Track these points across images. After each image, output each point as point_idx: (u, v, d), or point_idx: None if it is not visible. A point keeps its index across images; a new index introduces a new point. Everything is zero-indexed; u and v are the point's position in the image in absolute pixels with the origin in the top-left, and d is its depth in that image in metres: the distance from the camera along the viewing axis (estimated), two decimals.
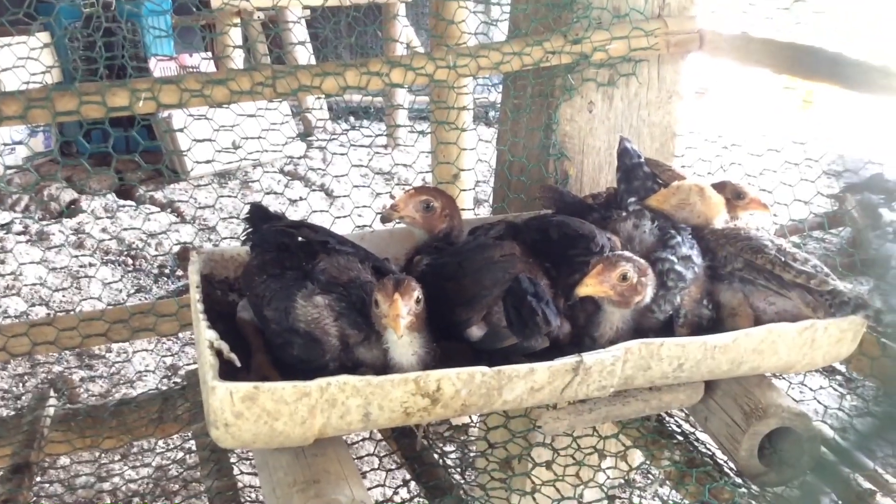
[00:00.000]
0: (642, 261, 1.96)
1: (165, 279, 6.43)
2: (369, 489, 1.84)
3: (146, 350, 5.17)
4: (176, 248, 6.51)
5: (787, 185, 2.64)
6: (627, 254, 1.97)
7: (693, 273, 2.06)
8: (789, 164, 2.69)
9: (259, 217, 2.21)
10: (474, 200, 6.87)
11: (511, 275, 1.95)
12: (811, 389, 2.61)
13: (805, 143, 2.72)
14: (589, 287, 1.90)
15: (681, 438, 2.18)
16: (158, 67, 7.89)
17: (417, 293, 1.79)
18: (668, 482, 2.13)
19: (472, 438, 3.38)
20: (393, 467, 2.31)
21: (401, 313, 1.74)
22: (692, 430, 2.25)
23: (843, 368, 4.02)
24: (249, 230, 2.20)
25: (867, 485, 1.98)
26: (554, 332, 1.91)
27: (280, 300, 1.92)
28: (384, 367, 1.86)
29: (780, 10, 2.69)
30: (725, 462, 2.09)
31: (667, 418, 2.27)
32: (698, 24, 2.73)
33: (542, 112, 2.76)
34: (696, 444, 2.16)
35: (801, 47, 2.43)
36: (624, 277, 1.90)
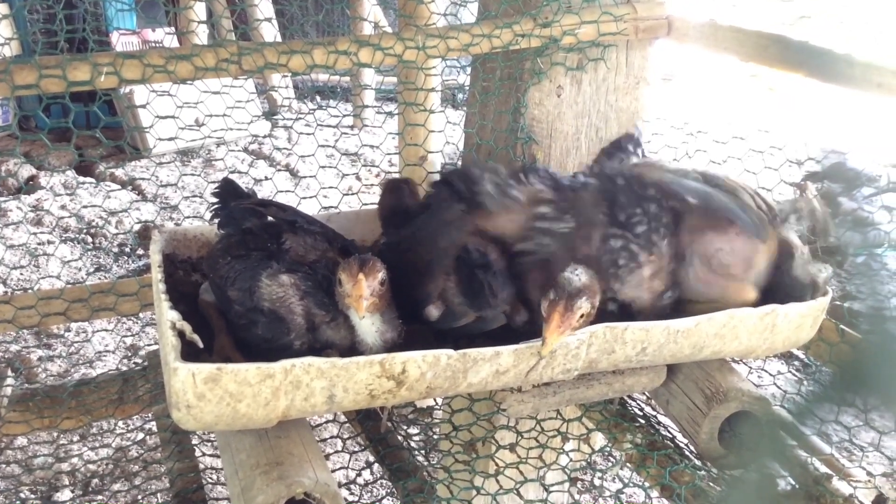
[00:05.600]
0: (590, 279, 1.87)
1: (126, 258, 6.33)
2: (333, 471, 1.84)
3: (106, 330, 5.10)
4: (137, 227, 6.41)
5: (750, 172, 2.67)
6: (576, 284, 1.83)
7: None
8: (753, 151, 2.72)
9: (229, 193, 2.19)
10: None
11: (465, 233, 1.95)
12: (770, 374, 2.65)
13: (769, 131, 2.75)
14: (554, 343, 1.81)
15: (643, 422, 2.20)
16: (120, 42, 7.73)
17: (382, 274, 1.78)
18: (629, 465, 2.16)
19: (437, 421, 3.39)
20: (357, 449, 2.30)
21: (363, 294, 1.73)
22: (654, 413, 2.28)
23: (801, 354, 4.10)
24: (217, 205, 2.18)
25: (824, 469, 2.02)
26: (504, 302, 1.90)
27: (244, 280, 1.90)
28: (351, 347, 1.86)
29: None
30: (686, 445, 2.12)
31: (629, 401, 2.29)
32: (667, 10, 2.74)
33: (510, 95, 2.75)
34: (657, 427, 2.19)
35: (768, 35, 2.45)
36: (582, 316, 1.83)
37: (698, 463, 2.05)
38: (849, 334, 2.35)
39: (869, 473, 2.13)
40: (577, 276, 1.84)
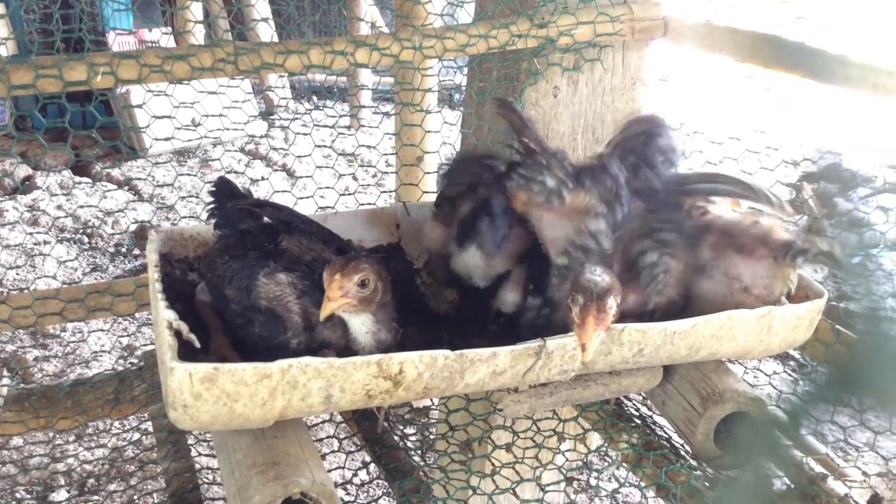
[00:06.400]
0: (612, 277, 1.86)
1: (122, 258, 6.33)
2: (329, 471, 1.84)
3: (102, 330, 5.09)
4: (133, 227, 6.40)
5: (747, 173, 2.67)
6: (602, 284, 1.81)
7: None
8: (750, 152, 2.72)
9: (225, 192, 2.18)
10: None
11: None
12: (766, 375, 2.65)
13: (766, 132, 2.76)
14: (594, 345, 1.78)
15: (639, 422, 2.20)
16: (117, 42, 7.73)
17: (363, 276, 1.76)
18: (625, 465, 2.16)
19: (433, 421, 3.40)
20: (353, 449, 2.30)
21: (331, 295, 1.73)
22: (650, 413, 2.28)
23: (796, 355, 4.10)
24: (213, 205, 2.17)
25: (819, 469, 2.02)
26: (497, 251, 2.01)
27: (242, 279, 1.90)
28: (347, 347, 1.86)
29: None
30: (682, 445, 2.12)
31: (625, 402, 2.29)
32: (663, 11, 2.74)
33: (507, 95, 2.75)
34: (653, 427, 2.19)
35: (763, 36, 2.46)
36: (613, 315, 1.82)
37: (694, 463, 2.05)
38: (844, 335, 2.36)
39: (864, 473, 2.13)
40: (600, 276, 1.82)
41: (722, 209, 2.18)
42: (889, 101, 2.12)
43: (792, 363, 4.33)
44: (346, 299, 1.75)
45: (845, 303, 2.49)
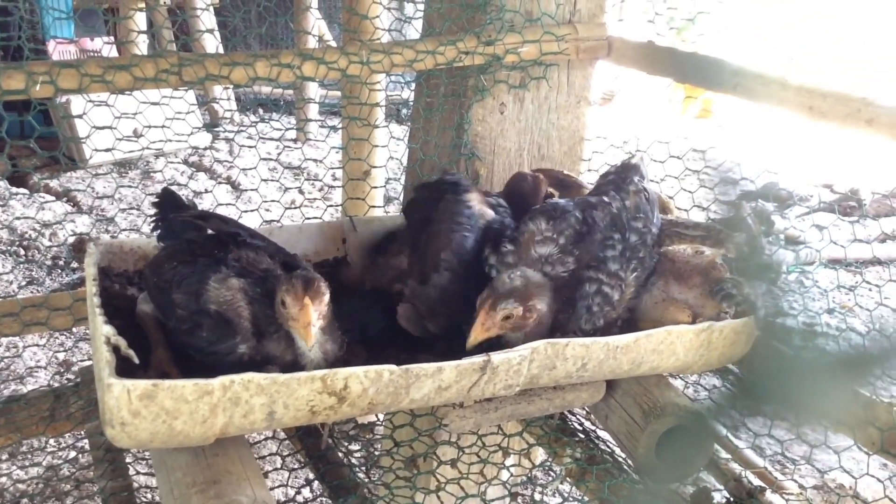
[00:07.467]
0: (524, 283, 1.93)
1: (59, 271, 6.17)
2: (272, 489, 1.81)
3: (37, 345, 4.95)
4: (71, 239, 6.25)
5: (687, 191, 2.72)
6: (507, 286, 1.91)
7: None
8: (689, 171, 2.78)
9: (169, 204, 2.15)
10: (385, 198, 6.86)
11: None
12: (706, 389, 2.70)
13: (704, 151, 2.82)
14: (477, 338, 1.89)
15: (582, 436, 2.22)
16: (57, 51, 7.56)
17: (327, 295, 1.77)
18: (569, 479, 2.17)
19: (378, 437, 3.38)
20: (296, 467, 2.28)
21: (311, 321, 1.72)
22: (593, 428, 2.30)
23: (735, 369, 4.18)
24: (157, 217, 2.14)
25: (757, 482, 2.07)
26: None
27: (191, 283, 1.87)
28: (293, 362, 1.84)
29: (685, 21, 2.78)
30: (624, 459, 2.15)
31: (569, 417, 2.31)
32: (608, 31, 2.79)
33: (454, 111, 2.77)
34: (596, 441, 2.21)
35: (703, 58, 2.51)
36: (507, 317, 1.90)
37: (636, 477, 2.07)
38: (779, 349, 2.41)
39: (801, 486, 2.18)
40: (511, 279, 1.92)
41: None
42: (824, 124, 2.19)
43: (731, 377, 4.42)
44: (321, 321, 1.77)
45: (782, 318, 2.55)
